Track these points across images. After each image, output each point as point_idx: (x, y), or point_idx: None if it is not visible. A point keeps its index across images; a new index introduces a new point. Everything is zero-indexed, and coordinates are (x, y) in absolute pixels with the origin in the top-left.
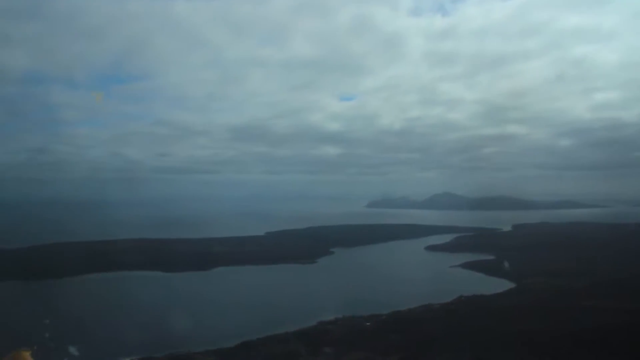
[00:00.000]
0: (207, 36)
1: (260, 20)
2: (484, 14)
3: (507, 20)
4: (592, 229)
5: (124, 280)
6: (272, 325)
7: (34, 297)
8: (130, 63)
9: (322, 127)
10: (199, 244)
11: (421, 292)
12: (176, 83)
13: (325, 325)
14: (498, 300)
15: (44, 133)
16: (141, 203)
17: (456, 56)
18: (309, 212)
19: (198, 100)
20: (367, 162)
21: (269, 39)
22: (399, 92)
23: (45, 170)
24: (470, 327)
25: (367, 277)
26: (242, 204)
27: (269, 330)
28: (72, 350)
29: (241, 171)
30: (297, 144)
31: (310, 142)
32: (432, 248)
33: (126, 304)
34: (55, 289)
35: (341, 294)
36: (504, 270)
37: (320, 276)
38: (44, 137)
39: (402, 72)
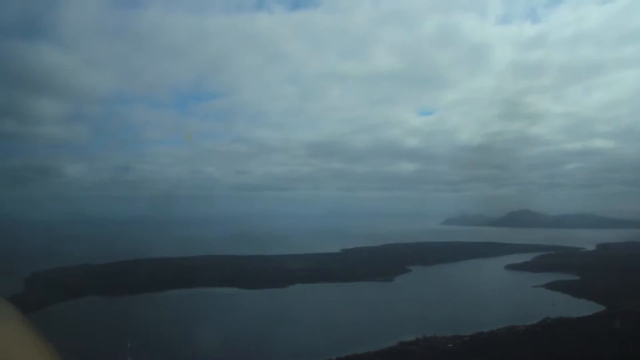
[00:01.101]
0: (286, 51)
1: (341, 33)
2: (578, 19)
3: (604, 26)
4: None
5: (203, 297)
6: (353, 345)
7: (116, 312)
8: (210, 80)
9: (400, 142)
10: (276, 261)
11: (504, 313)
12: (255, 100)
13: (406, 346)
14: (587, 324)
15: (127, 152)
16: (219, 220)
17: (545, 66)
18: (385, 229)
19: (276, 116)
20: (443, 178)
21: (350, 52)
22: (480, 106)
23: (129, 188)
24: (558, 353)
25: (446, 296)
26: (318, 220)
27: (350, 349)
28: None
29: (317, 187)
30: (374, 160)
31: (387, 158)
32: (512, 267)
33: (206, 321)
34: (136, 305)
35: (420, 313)
36: (591, 292)
37: (399, 295)
38: (128, 155)
39: (485, 85)
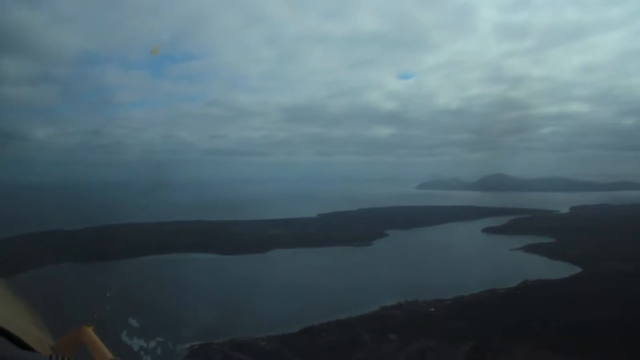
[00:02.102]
0: (267, 11)
1: None
2: None
3: None
4: None
5: (180, 262)
6: (334, 310)
7: (91, 278)
8: (186, 41)
9: (377, 106)
10: (253, 226)
11: (484, 276)
12: (232, 62)
13: (388, 311)
14: (566, 285)
15: (98, 115)
16: (194, 185)
17: (529, 29)
18: (361, 193)
19: (253, 80)
20: (419, 143)
21: (332, 13)
22: (462, 69)
23: (100, 152)
24: (540, 314)
25: (425, 260)
26: (294, 185)
27: (331, 315)
28: (133, 324)
29: (293, 153)
30: (351, 124)
31: (364, 123)
32: (489, 230)
33: (184, 287)
34: (111, 271)
35: (401, 277)
36: (567, 254)
37: (378, 259)
38: (99, 119)
39: (467, 48)
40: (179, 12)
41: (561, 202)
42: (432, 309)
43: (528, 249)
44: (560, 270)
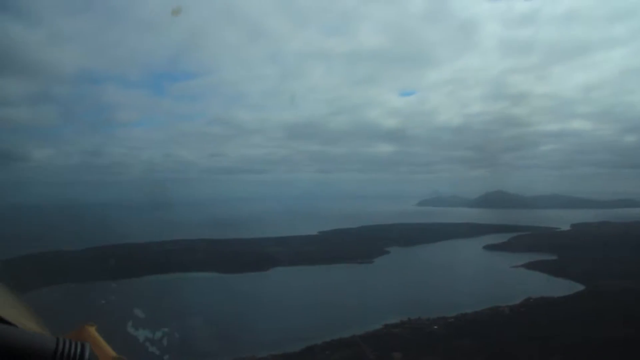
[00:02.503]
0: (268, 28)
1: (327, 8)
2: None
3: (597, 2)
4: None
5: (181, 282)
6: (337, 328)
7: (91, 299)
8: (186, 59)
9: (378, 124)
10: (254, 244)
11: (486, 294)
12: (233, 80)
13: (391, 329)
14: (569, 303)
15: (98, 135)
16: (194, 204)
17: (533, 45)
18: (361, 210)
19: (254, 97)
20: (419, 160)
21: (334, 29)
22: (463, 86)
23: (100, 172)
24: (544, 332)
25: (427, 278)
26: (294, 203)
27: (334, 333)
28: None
29: (293, 170)
30: (351, 142)
31: (365, 140)
32: (490, 247)
33: (185, 306)
34: (112, 292)
35: (403, 295)
36: (570, 272)
37: (380, 276)
38: (99, 139)
39: (470, 64)
40: (179, 29)
41: (562, 219)
42: (436, 327)
43: (530, 266)
44: (562, 287)
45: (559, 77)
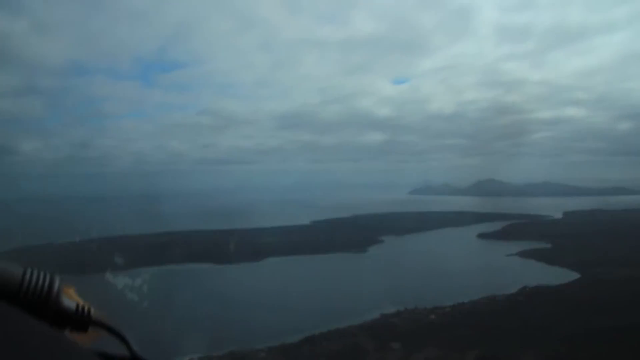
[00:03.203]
0: (260, 15)
1: None
2: None
3: None
4: None
5: (176, 274)
6: (334, 319)
7: (83, 292)
8: (176, 49)
9: (371, 112)
10: (247, 235)
11: (481, 283)
12: (224, 69)
13: (388, 319)
14: (566, 291)
15: (86, 127)
16: (186, 195)
17: (530, 30)
18: (353, 200)
19: (245, 87)
20: (411, 149)
21: (328, 16)
22: (457, 74)
23: (90, 165)
24: (542, 321)
25: (422, 266)
26: (286, 193)
27: (331, 324)
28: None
29: (285, 160)
30: (343, 131)
31: (357, 129)
32: (484, 236)
33: (179, 298)
34: (104, 284)
35: (399, 284)
36: (564, 260)
37: (374, 266)
38: (87, 131)
39: (465, 51)
40: (168, 18)
41: (554, 207)
42: (433, 317)
43: (524, 254)
44: (558, 276)
45: (555, 64)
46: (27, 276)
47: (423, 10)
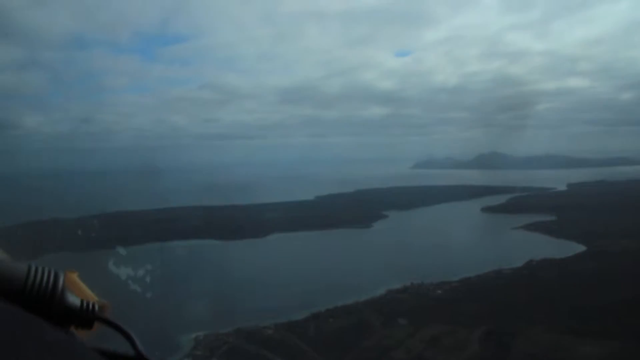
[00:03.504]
0: None
1: None
2: None
3: None
4: None
5: (180, 249)
6: (339, 295)
7: (89, 267)
8: (177, 21)
9: (373, 86)
10: (250, 210)
11: (488, 257)
12: (225, 43)
13: (395, 294)
14: (572, 264)
15: (88, 101)
16: (187, 170)
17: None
18: (356, 174)
19: (247, 61)
20: (415, 122)
21: None
22: (461, 45)
23: (91, 140)
24: (550, 295)
25: (427, 241)
26: (289, 168)
27: (337, 300)
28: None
29: (287, 135)
30: (346, 105)
31: (360, 103)
32: (488, 209)
33: (184, 275)
34: (109, 260)
35: (404, 259)
36: (570, 232)
37: (379, 241)
38: (88, 105)
39: (469, 21)
40: None
41: (557, 179)
42: (440, 292)
43: (529, 227)
44: (564, 248)
45: (559, 33)
46: (32, 274)
47: None
